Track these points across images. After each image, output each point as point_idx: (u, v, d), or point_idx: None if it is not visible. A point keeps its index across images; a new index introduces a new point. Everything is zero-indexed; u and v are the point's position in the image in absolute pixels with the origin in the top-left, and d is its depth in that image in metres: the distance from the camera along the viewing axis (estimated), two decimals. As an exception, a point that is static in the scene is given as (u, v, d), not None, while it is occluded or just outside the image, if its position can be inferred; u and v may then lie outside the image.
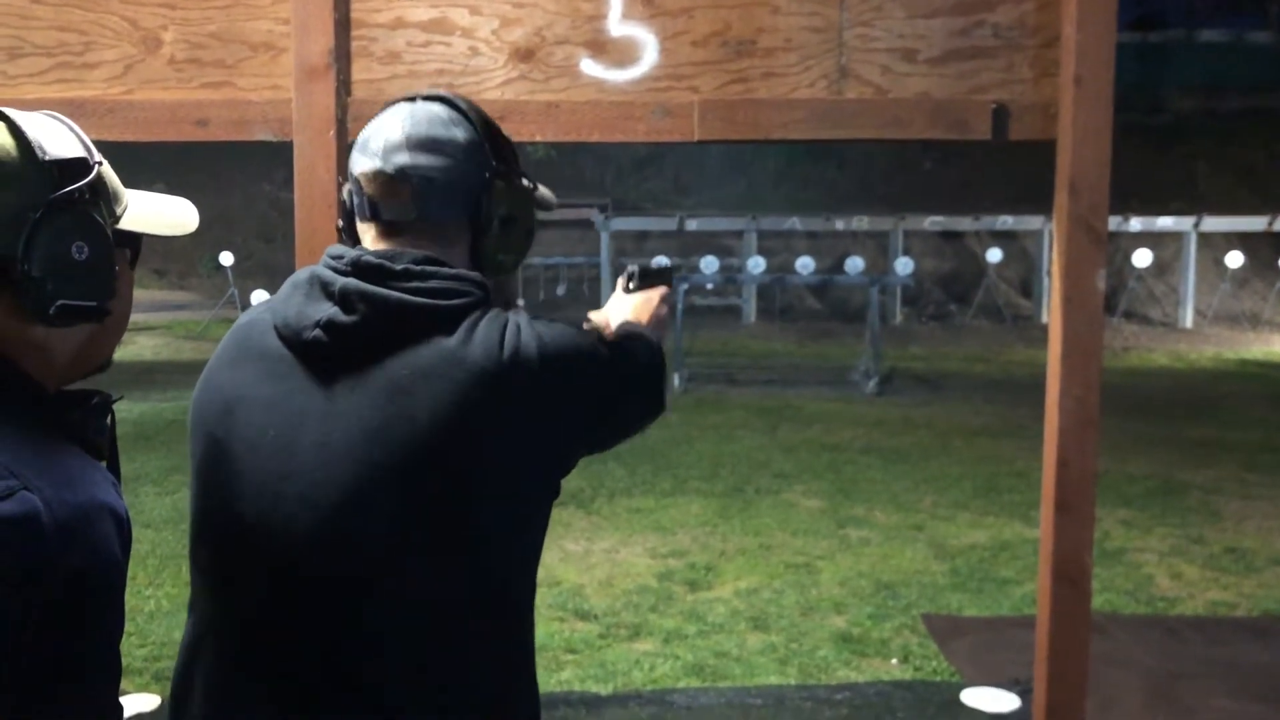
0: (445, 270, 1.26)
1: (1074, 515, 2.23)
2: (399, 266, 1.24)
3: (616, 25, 2.30)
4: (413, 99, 1.33)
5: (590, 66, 2.31)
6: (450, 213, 1.30)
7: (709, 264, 15.72)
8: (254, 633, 1.24)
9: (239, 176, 25.26)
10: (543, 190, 1.42)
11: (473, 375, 1.20)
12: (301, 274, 1.30)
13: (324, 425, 1.21)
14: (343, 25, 2.25)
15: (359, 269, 1.24)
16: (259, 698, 1.22)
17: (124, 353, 16.20)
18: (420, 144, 1.29)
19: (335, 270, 1.26)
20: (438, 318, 1.23)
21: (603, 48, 2.30)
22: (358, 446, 1.19)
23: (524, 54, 2.29)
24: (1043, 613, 2.29)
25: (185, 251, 24.66)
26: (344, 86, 2.26)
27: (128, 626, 5.15)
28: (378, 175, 1.28)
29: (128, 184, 1.16)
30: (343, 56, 2.26)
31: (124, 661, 4.68)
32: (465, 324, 1.24)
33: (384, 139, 1.29)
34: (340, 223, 1.38)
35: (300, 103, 2.23)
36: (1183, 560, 5.88)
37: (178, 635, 4.51)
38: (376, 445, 1.19)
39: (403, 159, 1.28)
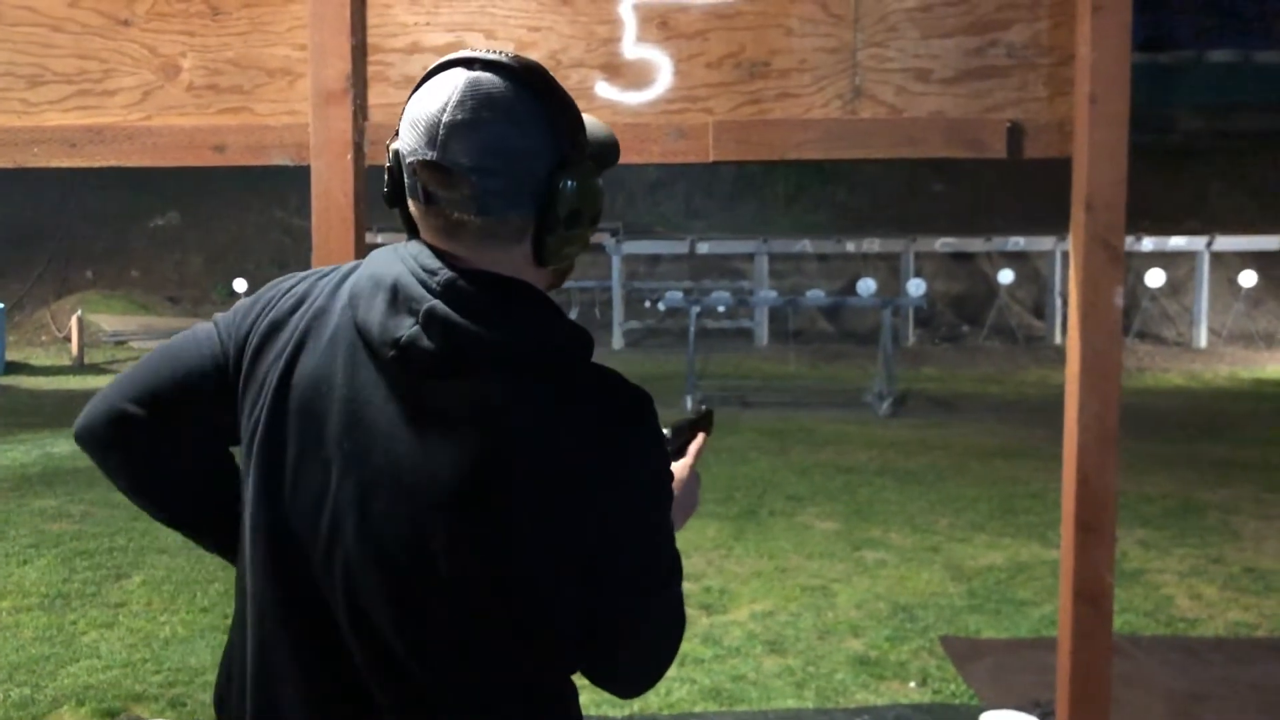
0: (547, 313, 1.20)
1: (1095, 533, 2.22)
2: (496, 300, 1.16)
3: (631, 48, 2.32)
4: (470, 63, 1.17)
5: (605, 89, 2.32)
6: (515, 211, 1.17)
7: (720, 287, 15.76)
8: (308, 638, 1.21)
9: (252, 203, 25.42)
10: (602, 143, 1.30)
11: (561, 443, 1.15)
12: (386, 270, 1.19)
13: (390, 449, 1.16)
14: (359, 51, 2.27)
15: (450, 293, 1.15)
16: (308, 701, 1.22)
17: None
18: (479, 131, 1.14)
19: (425, 286, 1.16)
20: (529, 367, 1.16)
21: (618, 70, 2.31)
22: (420, 480, 1.15)
23: (539, 77, 2.30)
24: (1064, 633, 2.28)
25: (199, 278, 24.81)
26: (361, 111, 2.28)
27: (143, 653, 5.03)
28: (433, 167, 1.15)
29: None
30: (359, 82, 2.27)
31: (139, 688, 4.61)
32: (564, 384, 1.17)
33: (437, 118, 1.15)
34: (386, 189, 1.25)
35: (317, 128, 2.25)
36: (1202, 580, 5.83)
37: (193, 661, 4.53)
38: (434, 482, 1.14)
39: (460, 151, 1.14)
